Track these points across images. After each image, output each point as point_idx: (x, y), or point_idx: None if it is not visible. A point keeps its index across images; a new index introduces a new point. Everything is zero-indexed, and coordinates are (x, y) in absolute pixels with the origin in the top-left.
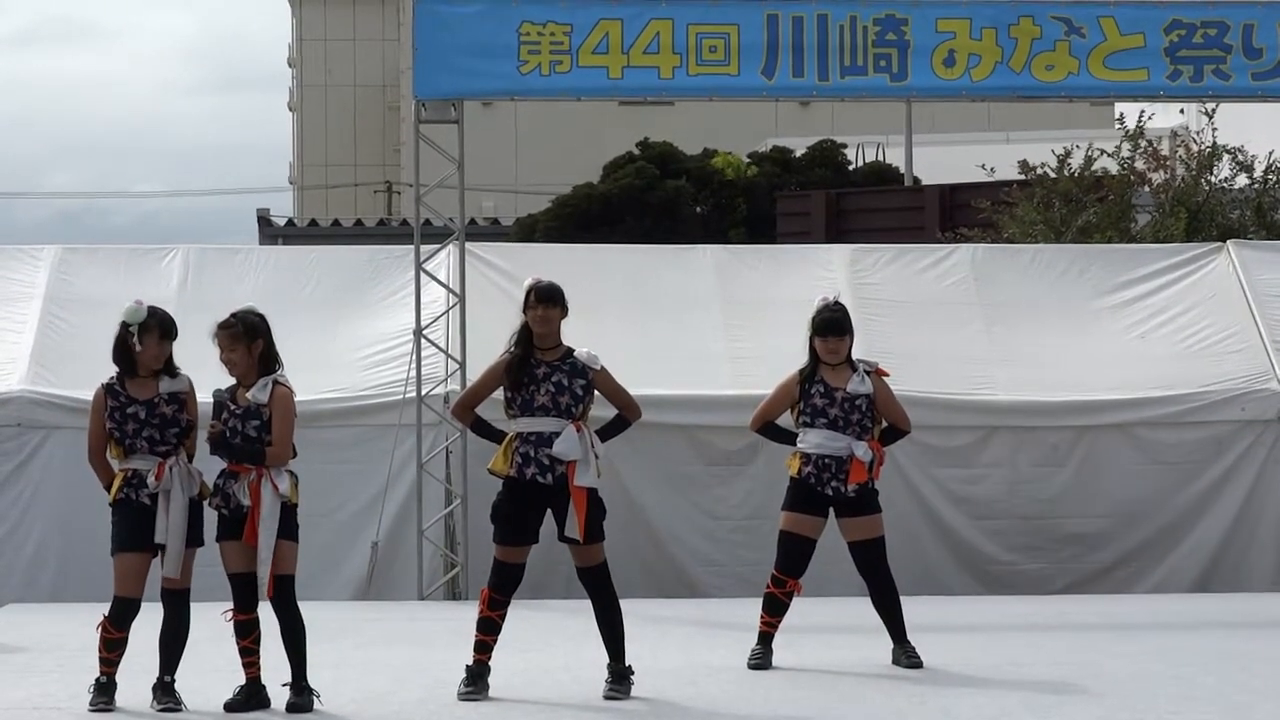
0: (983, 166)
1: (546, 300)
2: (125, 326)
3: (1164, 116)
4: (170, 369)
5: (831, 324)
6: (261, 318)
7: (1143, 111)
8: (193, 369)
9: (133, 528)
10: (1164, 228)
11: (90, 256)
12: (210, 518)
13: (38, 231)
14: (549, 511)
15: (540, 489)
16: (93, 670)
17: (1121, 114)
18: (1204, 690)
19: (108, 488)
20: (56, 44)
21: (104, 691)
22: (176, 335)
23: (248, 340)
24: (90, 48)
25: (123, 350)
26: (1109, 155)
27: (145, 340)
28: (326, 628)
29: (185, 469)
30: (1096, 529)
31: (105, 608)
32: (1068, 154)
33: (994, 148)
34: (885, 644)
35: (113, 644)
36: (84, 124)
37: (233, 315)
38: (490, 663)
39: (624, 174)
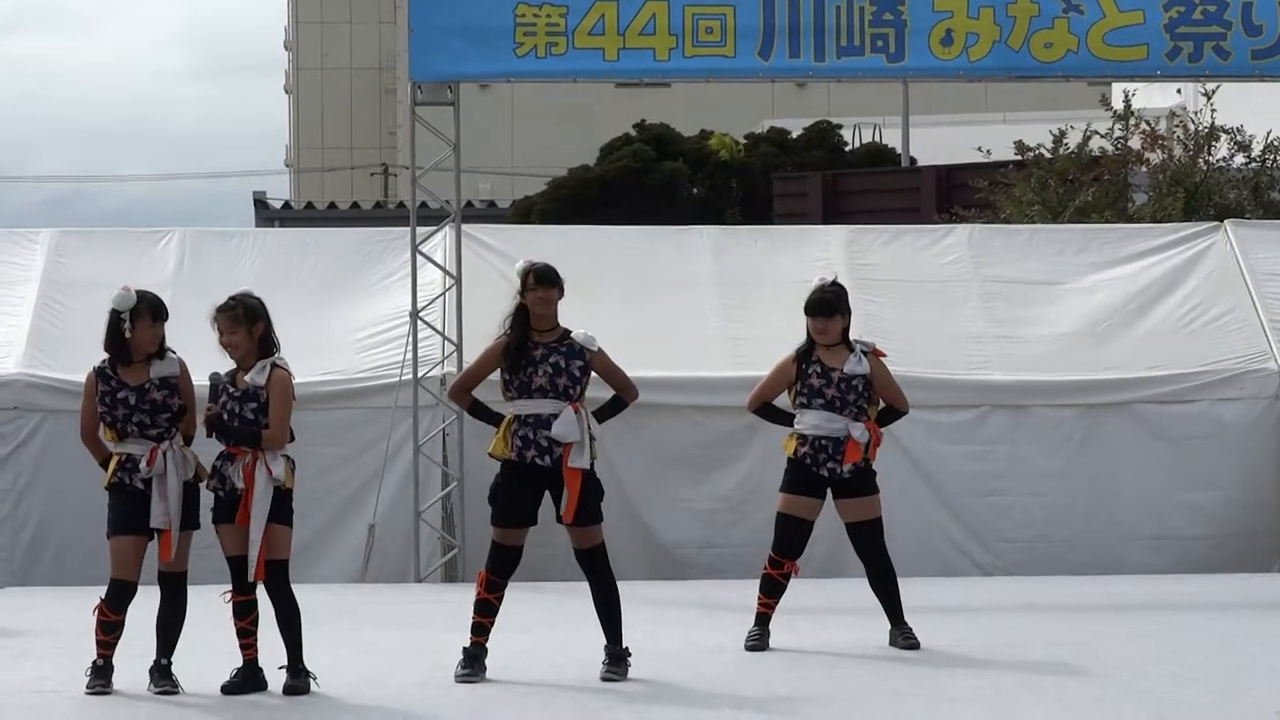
0: (979, 148)
1: (546, 282)
2: (116, 314)
3: (1161, 96)
4: (161, 351)
5: (821, 304)
6: (260, 301)
7: (1127, 91)
8: (190, 352)
9: (128, 511)
10: (1161, 208)
11: (87, 240)
12: (206, 500)
13: (34, 216)
14: (547, 493)
15: (539, 471)
16: (90, 653)
17: (1104, 95)
18: (1201, 671)
19: (102, 465)
20: (48, 29)
21: (100, 674)
22: (167, 316)
23: (248, 323)
24: (83, 33)
25: (115, 338)
26: (1102, 137)
27: (138, 325)
28: (323, 610)
29: (179, 453)
30: (1095, 508)
31: (103, 591)
32: (1063, 134)
33: (991, 128)
34: (882, 625)
35: (109, 626)
36: (79, 110)
37: (231, 298)
38: (488, 645)
39: (620, 156)
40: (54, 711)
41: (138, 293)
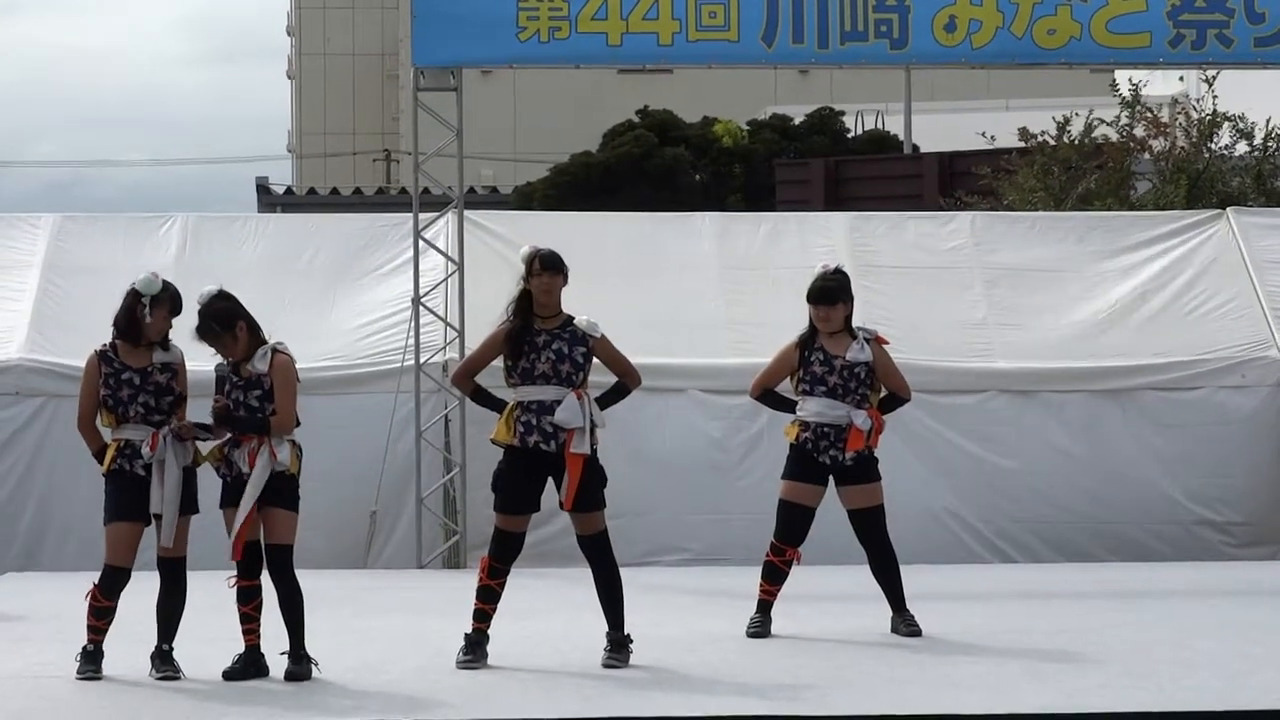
0: (983, 134)
1: (551, 268)
2: (137, 295)
3: (1164, 84)
4: (164, 342)
5: (824, 292)
6: (228, 300)
7: (1132, 79)
8: (190, 338)
9: (127, 498)
10: (1164, 195)
11: (89, 225)
12: (205, 486)
13: (33, 201)
14: (550, 480)
15: (542, 457)
16: None
17: (1114, 80)
18: (1204, 657)
19: (96, 455)
20: (48, 13)
21: (91, 660)
22: (181, 313)
23: (229, 331)
24: (84, 18)
25: (130, 318)
26: (1107, 125)
27: (155, 313)
28: (325, 596)
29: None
30: (1098, 495)
31: (98, 576)
32: (1067, 121)
33: (993, 115)
34: (884, 612)
35: (101, 612)
36: (80, 95)
37: (201, 316)
38: (489, 631)
39: (623, 142)
40: (55, 697)
41: (163, 282)
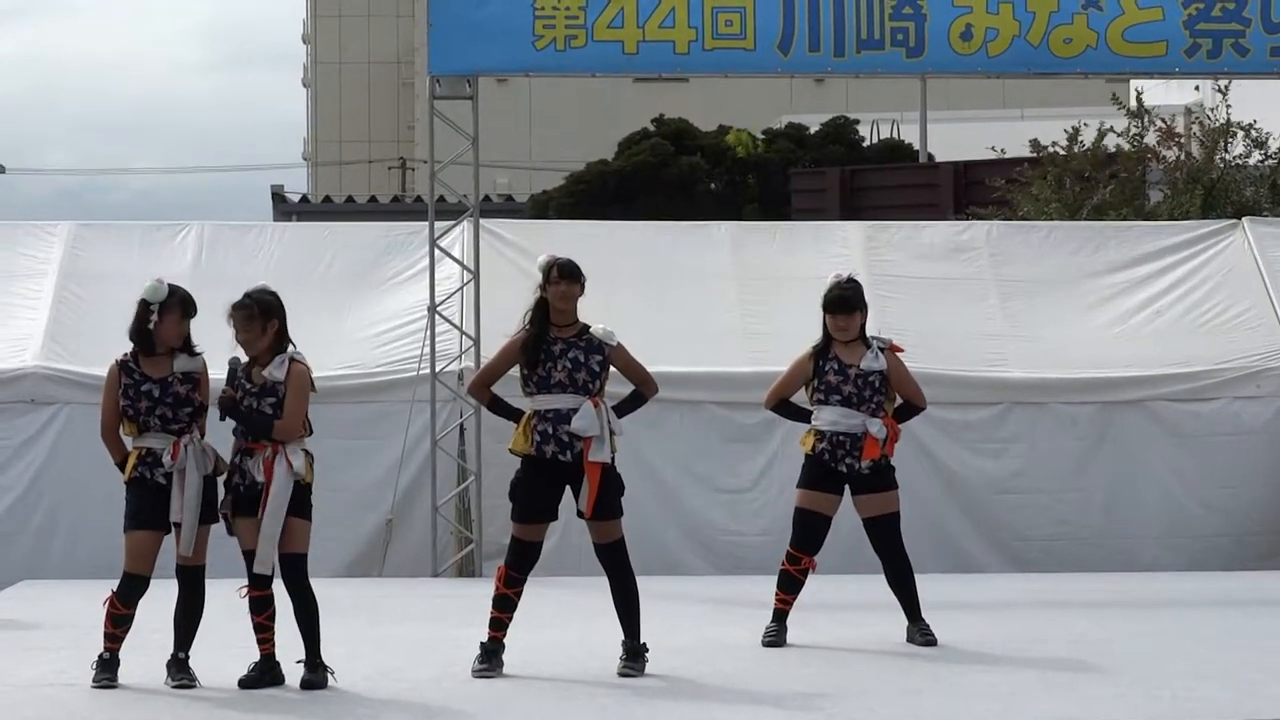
0: (992, 148)
1: (569, 276)
2: (145, 304)
3: (1178, 93)
4: (188, 347)
5: (841, 301)
6: (275, 296)
7: (1138, 90)
8: (206, 345)
9: (147, 506)
10: (1179, 205)
11: (104, 233)
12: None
13: (44, 209)
14: (567, 488)
15: (559, 466)
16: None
17: (1114, 93)
18: (1217, 668)
19: (120, 465)
20: (61, 18)
21: (107, 668)
22: (196, 313)
23: (264, 320)
24: (98, 25)
25: (141, 328)
26: (1118, 135)
27: (165, 318)
28: (340, 605)
29: (199, 446)
30: (1112, 505)
31: (115, 584)
32: (1077, 132)
33: (1008, 124)
34: (899, 621)
35: (119, 620)
36: (93, 103)
37: (247, 295)
38: (505, 640)
39: (638, 150)
40: (70, 705)
41: (170, 286)
